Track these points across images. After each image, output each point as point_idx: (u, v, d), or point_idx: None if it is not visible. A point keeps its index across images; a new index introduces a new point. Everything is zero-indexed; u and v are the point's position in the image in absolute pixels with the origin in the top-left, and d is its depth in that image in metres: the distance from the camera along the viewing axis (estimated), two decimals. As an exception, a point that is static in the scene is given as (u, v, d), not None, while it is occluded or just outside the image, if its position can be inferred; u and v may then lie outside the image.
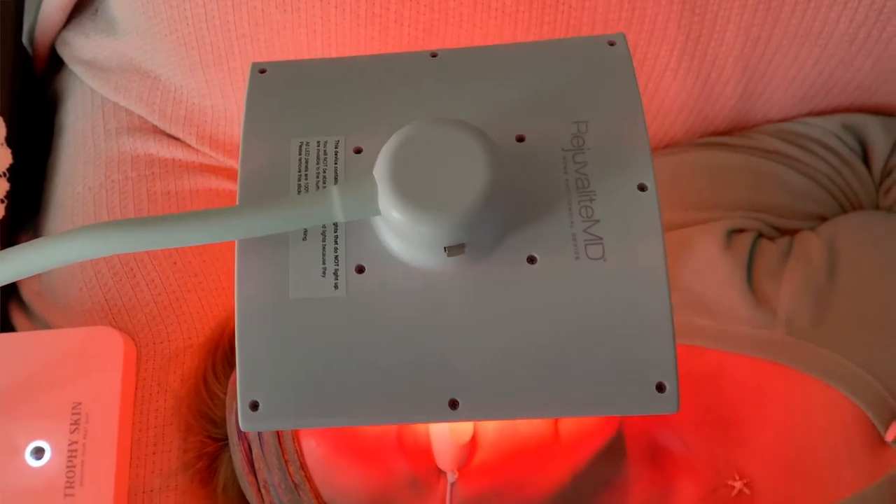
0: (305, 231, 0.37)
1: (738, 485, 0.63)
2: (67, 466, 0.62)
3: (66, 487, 0.61)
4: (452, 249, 0.35)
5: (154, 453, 0.65)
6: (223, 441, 0.63)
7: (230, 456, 0.62)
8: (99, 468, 0.62)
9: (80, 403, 0.63)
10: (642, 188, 0.37)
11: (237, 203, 0.38)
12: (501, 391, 0.36)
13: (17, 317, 0.73)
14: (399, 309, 0.36)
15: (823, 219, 0.77)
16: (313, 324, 0.36)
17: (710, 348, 0.66)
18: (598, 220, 0.37)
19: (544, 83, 0.40)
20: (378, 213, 0.35)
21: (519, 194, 0.37)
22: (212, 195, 0.74)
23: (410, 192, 0.34)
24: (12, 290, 0.75)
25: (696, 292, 0.69)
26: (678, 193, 0.76)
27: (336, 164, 0.38)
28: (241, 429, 0.36)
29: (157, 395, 0.66)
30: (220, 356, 0.67)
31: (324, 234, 0.37)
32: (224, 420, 0.63)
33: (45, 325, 0.69)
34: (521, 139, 0.38)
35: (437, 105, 0.39)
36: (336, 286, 0.37)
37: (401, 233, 0.36)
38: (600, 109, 0.39)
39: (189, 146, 0.76)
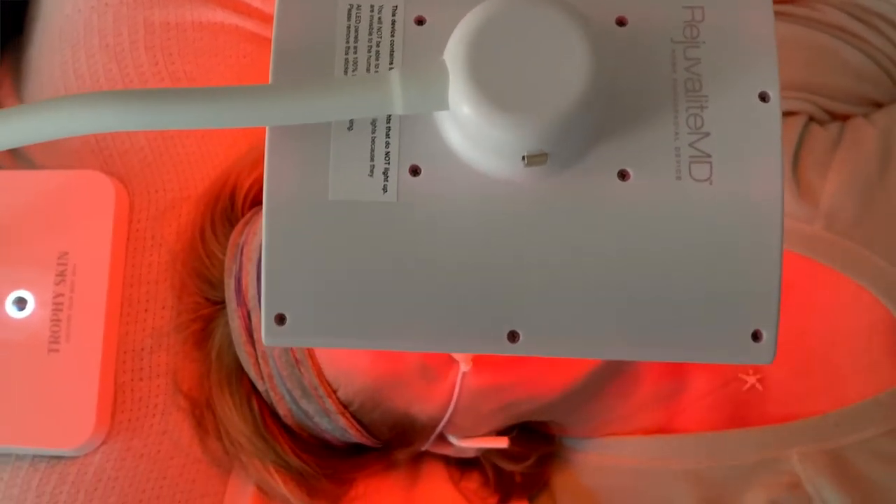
0: (352, 121, 0.31)
1: (751, 380, 0.61)
2: (52, 320, 0.57)
3: (51, 342, 0.57)
4: (533, 158, 0.29)
5: (146, 311, 0.60)
6: (220, 304, 0.59)
7: (226, 321, 0.58)
8: (86, 324, 0.58)
9: (66, 253, 0.58)
10: (763, 98, 0.31)
11: (270, 77, 0.31)
12: (570, 325, 0.31)
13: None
14: (458, 220, 0.31)
15: (878, 105, 0.71)
16: (355, 231, 0.31)
17: None
18: (707, 134, 0.30)
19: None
20: (446, 107, 0.29)
21: (616, 93, 0.30)
22: (217, 30, 0.65)
23: (491, 86, 0.27)
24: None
25: None
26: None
27: (392, 37, 0.31)
28: (264, 344, 0.31)
29: (151, 248, 0.61)
30: (219, 211, 0.61)
31: (374, 125, 0.31)
32: (222, 282, 0.58)
33: (29, 162, 0.62)
34: (621, 22, 0.31)
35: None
36: (385, 189, 0.31)
37: (470, 133, 0.29)
38: (719, -7, 0.31)
39: (192, -30, 0.66)
